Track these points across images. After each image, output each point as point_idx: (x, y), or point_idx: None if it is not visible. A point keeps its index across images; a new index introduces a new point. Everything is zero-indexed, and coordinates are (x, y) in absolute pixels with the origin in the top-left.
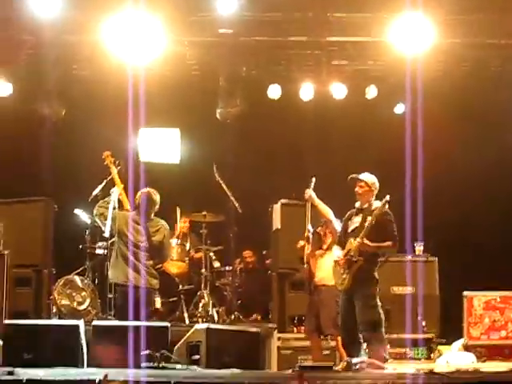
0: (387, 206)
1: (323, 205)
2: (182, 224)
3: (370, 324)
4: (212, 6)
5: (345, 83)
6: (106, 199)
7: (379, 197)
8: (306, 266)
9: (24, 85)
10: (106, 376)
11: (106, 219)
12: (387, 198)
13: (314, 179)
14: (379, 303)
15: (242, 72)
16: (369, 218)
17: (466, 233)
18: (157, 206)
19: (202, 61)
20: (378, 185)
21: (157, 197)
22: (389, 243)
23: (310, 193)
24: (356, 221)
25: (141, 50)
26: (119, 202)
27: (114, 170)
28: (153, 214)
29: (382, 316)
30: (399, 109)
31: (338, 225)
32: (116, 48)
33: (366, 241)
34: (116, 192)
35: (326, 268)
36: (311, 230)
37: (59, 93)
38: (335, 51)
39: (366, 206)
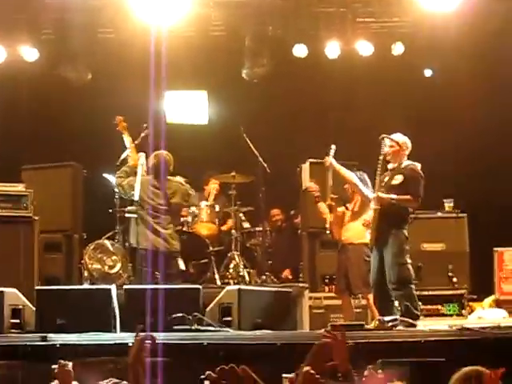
0: (419, 167)
1: (345, 170)
2: (212, 185)
3: (399, 281)
4: None
5: (371, 40)
6: (123, 168)
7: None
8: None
9: (49, 50)
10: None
11: (123, 189)
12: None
13: (333, 146)
14: (409, 260)
15: (267, 31)
16: (397, 177)
17: (496, 189)
18: (171, 167)
19: (228, 21)
20: (409, 144)
21: (171, 158)
22: (407, 197)
23: (330, 160)
24: (386, 180)
25: (165, 12)
26: (133, 168)
27: (127, 136)
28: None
29: (412, 273)
30: (427, 72)
31: (363, 187)
32: (141, 10)
33: (380, 194)
34: (142, 157)
35: (353, 227)
36: (333, 198)
37: (85, 57)
38: (360, 8)
39: (396, 165)
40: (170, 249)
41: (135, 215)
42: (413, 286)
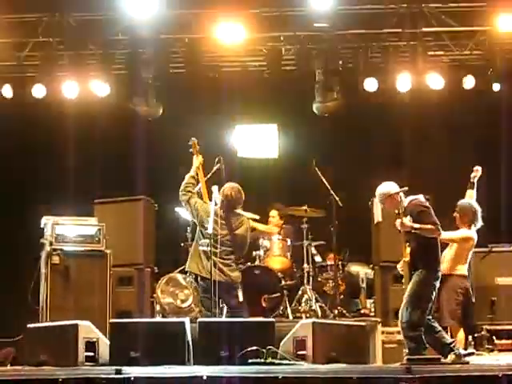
0: (421, 197)
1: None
2: (272, 218)
3: (407, 323)
4: (307, 0)
5: (442, 74)
6: (189, 181)
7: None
8: None
9: (121, 85)
10: None
11: (191, 207)
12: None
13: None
14: (427, 305)
15: (338, 66)
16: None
17: None
18: (242, 201)
19: (299, 55)
20: (393, 187)
21: (242, 191)
22: (429, 226)
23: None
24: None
25: (235, 46)
26: (199, 193)
27: (197, 160)
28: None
29: (423, 318)
30: (495, 87)
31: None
32: (211, 45)
33: (404, 220)
34: (215, 191)
35: (447, 259)
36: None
37: (156, 91)
38: (431, 41)
39: (398, 210)
40: (227, 280)
41: (207, 248)
42: (422, 329)
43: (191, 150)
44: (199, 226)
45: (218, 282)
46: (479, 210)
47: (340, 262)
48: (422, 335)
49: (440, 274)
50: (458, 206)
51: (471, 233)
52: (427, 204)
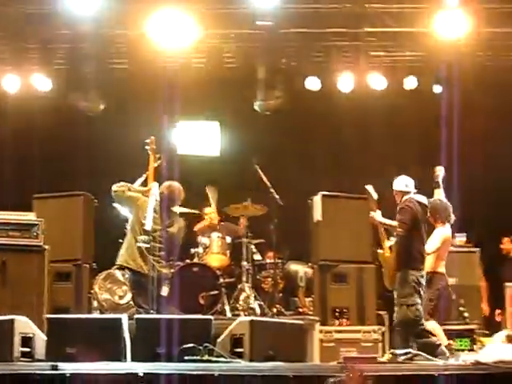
0: (420, 199)
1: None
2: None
3: (400, 323)
4: None
5: (384, 74)
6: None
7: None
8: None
9: (62, 80)
10: None
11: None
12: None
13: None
14: (418, 300)
15: (280, 64)
16: (376, 214)
17: (508, 223)
18: (181, 199)
19: (241, 53)
20: (405, 183)
21: (181, 190)
22: (394, 223)
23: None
24: None
25: (177, 43)
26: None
27: (152, 158)
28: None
29: (418, 314)
30: (436, 89)
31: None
32: (153, 42)
33: (375, 215)
34: (155, 187)
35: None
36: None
37: (97, 87)
38: (373, 42)
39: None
40: (158, 275)
41: (147, 245)
42: (421, 325)
43: (148, 147)
44: (136, 220)
45: (147, 276)
46: (450, 205)
47: (279, 261)
48: (423, 328)
49: (424, 272)
50: (428, 207)
51: (446, 231)
52: (410, 204)
